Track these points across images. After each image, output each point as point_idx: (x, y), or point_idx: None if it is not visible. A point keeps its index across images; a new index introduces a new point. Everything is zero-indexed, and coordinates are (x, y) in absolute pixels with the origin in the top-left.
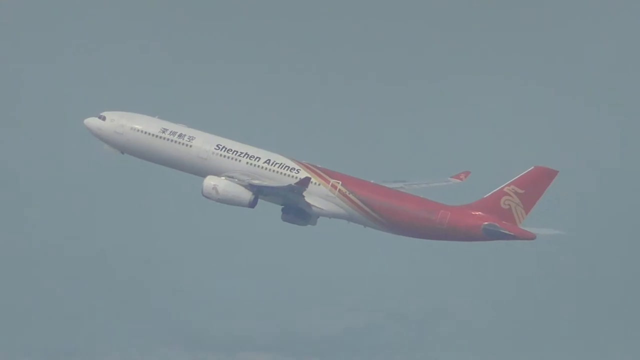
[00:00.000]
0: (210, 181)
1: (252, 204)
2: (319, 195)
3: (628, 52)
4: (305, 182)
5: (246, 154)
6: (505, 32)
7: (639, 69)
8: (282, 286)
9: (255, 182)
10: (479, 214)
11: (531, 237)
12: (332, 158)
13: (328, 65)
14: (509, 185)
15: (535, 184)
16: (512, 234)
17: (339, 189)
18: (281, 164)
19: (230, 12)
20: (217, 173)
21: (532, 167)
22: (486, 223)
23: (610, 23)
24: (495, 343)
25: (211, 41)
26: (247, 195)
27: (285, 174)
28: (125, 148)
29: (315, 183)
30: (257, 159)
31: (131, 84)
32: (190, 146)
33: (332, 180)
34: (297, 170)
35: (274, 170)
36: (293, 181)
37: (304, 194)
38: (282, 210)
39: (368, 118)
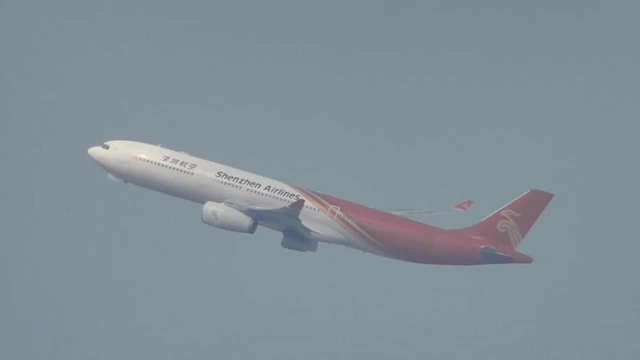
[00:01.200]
0: (209, 207)
1: (252, 230)
2: (318, 221)
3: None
4: (298, 204)
5: (247, 180)
6: (501, 57)
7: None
8: (278, 314)
9: (254, 207)
10: (476, 238)
11: (528, 260)
12: (336, 186)
13: (331, 91)
14: (505, 208)
15: (531, 207)
16: (508, 257)
17: (338, 215)
18: (281, 190)
19: (232, 39)
20: (219, 200)
21: (528, 191)
22: (483, 247)
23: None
24: None
25: (212, 68)
26: (246, 220)
27: (284, 200)
28: (128, 177)
29: (314, 209)
30: (258, 185)
31: (134, 113)
32: (192, 174)
33: (330, 206)
34: (296, 196)
35: (274, 197)
36: (287, 204)
37: (302, 218)
38: (283, 236)
39: (373, 146)
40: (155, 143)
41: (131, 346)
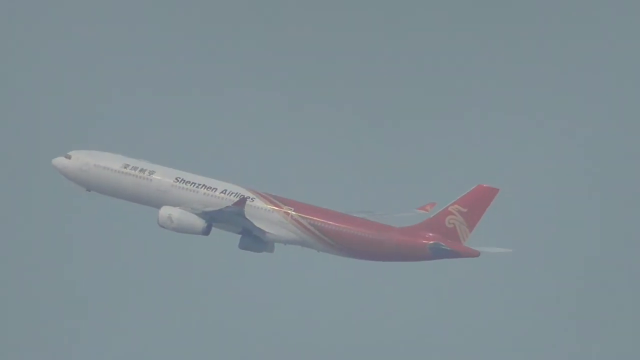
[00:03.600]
0: (165, 211)
1: (206, 232)
2: (273, 222)
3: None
4: (241, 202)
5: (204, 185)
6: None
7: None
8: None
9: (207, 209)
10: (425, 234)
11: (475, 254)
12: (299, 190)
13: (292, 91)
14: (452, 204)
15: (478, 202)
16: (457, 251)
17: (292, 215)
18: (237, 193)
19: (190, 40)
20: (177, 204)
21: (475, 186)
22: (432, 242)
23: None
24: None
25: (175, 75)
26: (200, 223)
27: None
28: (90, 185)
29: (269, 210)
30: (214, 189)
31: (99, 123)
32: (151, 180)
33: (284, 207)
34: (252, 199)
35: (229, 200)
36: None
37: (257, 220)
38: (240, 238)
39: (335, 149)
40: (117, 152)
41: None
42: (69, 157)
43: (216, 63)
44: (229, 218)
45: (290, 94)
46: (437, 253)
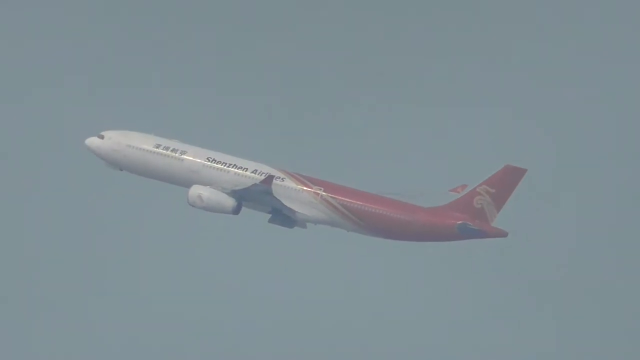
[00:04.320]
0: (195, 190)
1: (236, 211)
2: (303, 202)
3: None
4: (268, 180)
5: (234, 164)
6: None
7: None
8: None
9: (237, 188)
10: (453, 214)
11: (504, 234)
12: (330, 170)
13: (323, 73)
14: (480, 185)
15: (506, 183)
16: (484, 231)
17: (322, 195)
18: (267, 173)
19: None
20: (208, 184)
21: (503, 166)
22: (460, 222)
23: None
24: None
25: (203, 58)
26: (230, 202)
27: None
28: (122, 165)
29: (299, 190)
30: (245, 169)
31: (131, 104)
32: (182, 160)
33: (314, 187)
34: (282, 178)
35: (259, 179)
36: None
37: (287, 199)
38: (270, 218)
39: (367, 129)
40: (149, 132)
41: (124, 326)
42: (102, 137)
43: (243, 41)
44: (257, 197)
45: (322, 75)
46: (465, 233)
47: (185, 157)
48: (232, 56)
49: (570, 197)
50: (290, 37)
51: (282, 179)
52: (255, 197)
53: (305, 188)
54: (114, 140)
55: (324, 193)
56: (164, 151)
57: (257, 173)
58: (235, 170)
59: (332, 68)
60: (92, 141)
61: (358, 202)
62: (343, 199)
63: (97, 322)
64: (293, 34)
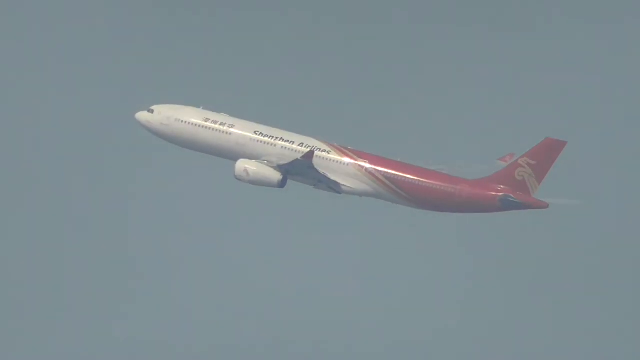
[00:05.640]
0: (241, 164)
1: (282, 184)
2: (348, 175)
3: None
4: (309, 154)
5: (281, 138)
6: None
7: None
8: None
9: (282, 162)
10: (495, 186)
11: (545, 206)
12: (375, 142)
13: (364, 49)
14: (522, 157)
15: (546, 155)
16: (526, 203)
17: (366, 168)
18: (313, 146)
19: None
20: (255, 158)
21: (543, 139)
22: (502, 194)
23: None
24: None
25: (242, 35)
26: (275, 175)
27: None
28: (171, 138)
29: (344, 163)
30: (292, 142)
31: (180, 78)
32: (230, 133)
33: (359, 160)
34: (327, 151)
35: (303, 152)
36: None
37: (332, 172)
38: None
39: (412, 104)
40: (197, 106)
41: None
42: (151, 111)
43: (290, 14)
44: (301, 170)
45: (371, 49)
46: (506, 205)
47: (233, 130)
48: (280, 31)
49: (613, 166)
50: (336, 11)
51: (327, 151)
52: (299, 171)
53: (350, 160)
54: (164, 115)
55: (368, 165)
56: (213, 125)
57: (303, 146)
58: (282, 143)
59: (381, 42)
60: (142, 115)
61: (402, 174)
62: (387, 171)
63: (154, 284)
64: (343, 10)
